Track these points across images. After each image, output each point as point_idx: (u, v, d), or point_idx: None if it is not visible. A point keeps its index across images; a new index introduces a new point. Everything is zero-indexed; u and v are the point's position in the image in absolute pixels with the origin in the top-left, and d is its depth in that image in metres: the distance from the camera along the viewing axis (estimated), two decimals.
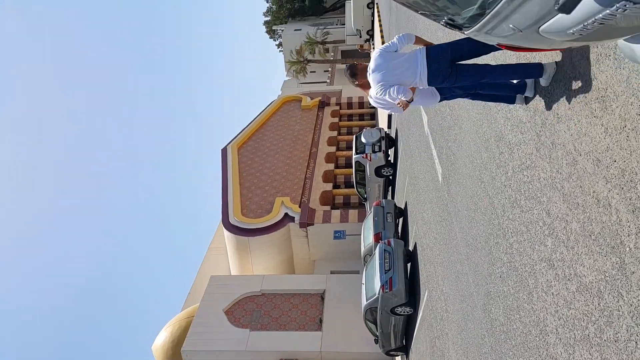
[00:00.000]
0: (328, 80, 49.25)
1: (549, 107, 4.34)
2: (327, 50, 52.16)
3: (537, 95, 4.59)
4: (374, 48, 44.56)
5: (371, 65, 4.48)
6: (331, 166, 31.82)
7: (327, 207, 28.07)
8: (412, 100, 4.34)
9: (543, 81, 4.30)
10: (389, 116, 23.59)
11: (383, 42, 35.27)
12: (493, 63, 5.10)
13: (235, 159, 32.34)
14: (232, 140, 34.22)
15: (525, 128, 4.94)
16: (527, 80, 4.66)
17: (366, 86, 4.90)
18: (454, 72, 4.18)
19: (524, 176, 4.99)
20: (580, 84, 3.74)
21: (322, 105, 38.02)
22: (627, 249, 3.06)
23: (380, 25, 35.29)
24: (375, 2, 39.98)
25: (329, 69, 51.18)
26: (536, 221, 4.66)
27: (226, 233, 27.07)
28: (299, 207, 26.99)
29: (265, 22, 68.40)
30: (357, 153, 21.33)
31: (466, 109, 7.61)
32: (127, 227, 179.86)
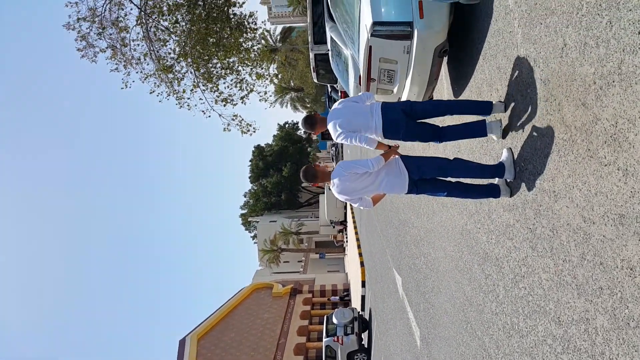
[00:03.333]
0: (302, 269, 48.49)
1: (540, 189, 3.63)
2: (301, 241, 52.51)
3: (524, 182, 3.91)
4: (347, 239, 45.00)
5: (332, 111, 4.40)
6: (300, 359, 29.08)
7: None
8: (376, 145, 4.17)
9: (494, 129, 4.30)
10: (362, 297, 22.34)
11: (356, 233, 35.49)
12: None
13: (193, 352, 29.39)
14: (193, 330, 31.59)
15: (515, 231, 4.13)
16: (503, 160, 4.09)
17: (326, 176, 4.23)
18: (407, 131, 4.24)
19: (520, 290, 4.01)
20: (577, 139, 3.09)
21: (294, 292, 36.52)
22: None
23: (353, 217, 36.09)
24: None
25: (303, 259, 50.83)
26: (543, 340, 3.55)
27: None
28: None
29: (242, 215, 70.14)
30: (327, 336, 19.48)
31: (442, 247, 6.82)
32: None
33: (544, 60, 3.50)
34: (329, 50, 9.99)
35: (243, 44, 13.13)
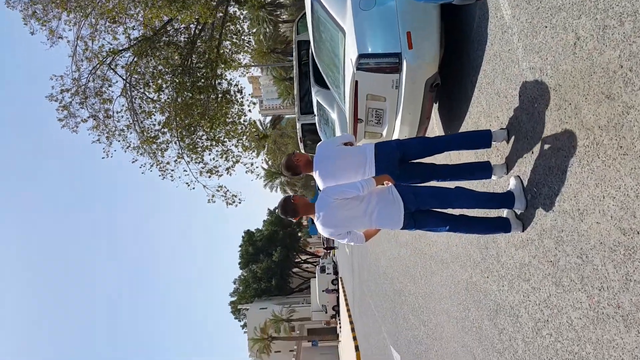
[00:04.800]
0: (294, 359, 45.76)
1: (561, 211, 3.10)
2: (292, 329, 50.09)
3: (539, 209, 3.38)
4: (340, 324, 43.02)
5: (317, 156, 4.00)
6: None
7: None
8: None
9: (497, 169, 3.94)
10: None
11: (351, 322, 33.56)
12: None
13: None
14: None
15: (532, 269, 3.54)
16: (511, 189, 3.61)
17: (308, 208, 3.66)
18: (403, 174, 3.83)
19: (545, 338, 3.36)
20: (603, 140, 2.62)
21: None
22: None
23: (346, 300, 34.67)
24: (340, 277, 40.40)
25: (295, 347, 48.19)
26: None
27: None
28: None
29: (231, 303, 67.50)
30: None
31: (444, 310, 6.11)
32: None
33: (553, 65, 3.13)
34: (315, 116, 9.80)
35: (229, 116, 13.00)
